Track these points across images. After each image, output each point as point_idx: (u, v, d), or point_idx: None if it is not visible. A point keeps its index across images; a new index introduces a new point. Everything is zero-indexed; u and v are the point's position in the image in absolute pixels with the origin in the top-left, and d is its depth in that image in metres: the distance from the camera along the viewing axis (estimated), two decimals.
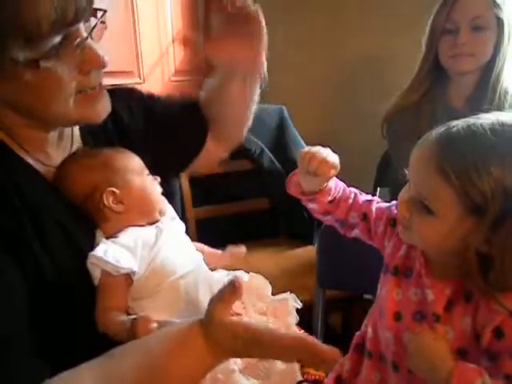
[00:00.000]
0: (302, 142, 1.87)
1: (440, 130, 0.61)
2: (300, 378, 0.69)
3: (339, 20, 2.13)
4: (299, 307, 0.73)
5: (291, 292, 0.75)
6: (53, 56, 0.57)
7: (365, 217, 0.76)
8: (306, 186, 0.77)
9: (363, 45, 2.06)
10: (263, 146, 1.78)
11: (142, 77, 1.90)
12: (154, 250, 0.69)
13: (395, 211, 0.74)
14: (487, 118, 0.59)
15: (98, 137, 0.77)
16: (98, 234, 0.70)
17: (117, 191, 0.70)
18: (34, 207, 0.62)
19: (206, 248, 0.82)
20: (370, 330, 0.74)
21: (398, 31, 1.92)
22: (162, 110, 0.88)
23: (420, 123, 1.36)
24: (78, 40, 0.59)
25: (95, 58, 0.61)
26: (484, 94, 1.31)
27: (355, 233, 0.79)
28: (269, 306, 0.72)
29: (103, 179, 0.70)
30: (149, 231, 0.71)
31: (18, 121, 0.64)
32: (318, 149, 0.73)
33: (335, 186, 0.77)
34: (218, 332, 0.52)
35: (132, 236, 0.69)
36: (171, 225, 0.76)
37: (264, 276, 0.76)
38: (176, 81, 2.06)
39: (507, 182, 0.54)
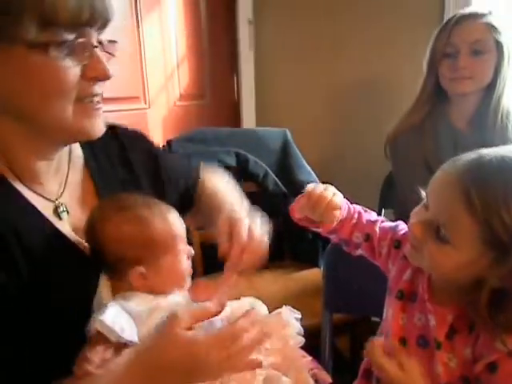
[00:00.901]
0: (306, 165, 1.88)
1: (471, 156, 0.58)
2: None
3: (341, 43, 2.16)
4: (298, 317, 0.71)
5: None
6: (63, 48, 0.57)
7: (368, 237, 0.76)
8: (312, 216, 0.77)
9: (366, 68, 2.09)
10: (268, 169, 1.79)
11: (147, 102, 1.92)
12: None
13: (400, 232, 0.73)
14: None
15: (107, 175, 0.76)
16: (103, 280, 0.67)
17: (144, 272, 0.65)
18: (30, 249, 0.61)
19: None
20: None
21: (400, 55, 1.95)
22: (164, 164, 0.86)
23: (423, 144, 1.37)
24: (89, 45, 0.60)
25: (101, 68, 0.61)
26: (486, 115, 1.33)
27: (360, 252, 0.79)
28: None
29: (135, 254, 0.65)
30: (169, 301, 0.65)
31: (12, 138, 0.61)
32: (323, 189, 0.73)
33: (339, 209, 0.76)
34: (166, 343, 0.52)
35: (147, 305, 0.64)
36: None
37: (269, 300, 0.73)
38: (181, 105, 2.09)
39: None
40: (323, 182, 1.88)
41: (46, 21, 0.54)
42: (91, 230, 0.67)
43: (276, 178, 1.79)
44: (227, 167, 1.75)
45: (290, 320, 0.70)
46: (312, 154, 1.98)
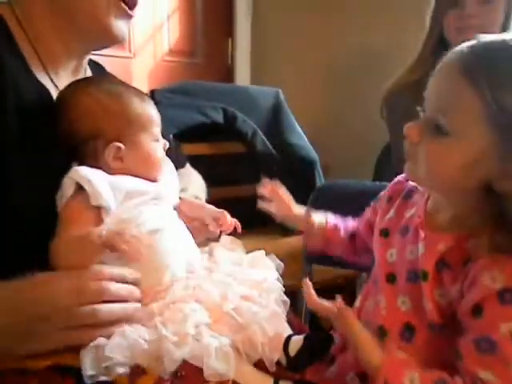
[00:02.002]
0: (297, 127, 1.79)
1: (469, 42, 0.52)
2: (290, 332, 0.59)
3: (340, 8, 2.08)
4: (281, 264, 0.70)
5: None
6: None
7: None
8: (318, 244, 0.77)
9: (366, 31, 2.00)
10: (257, 128, 1.69)
11: (132, 51, 1.81)
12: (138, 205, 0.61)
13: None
14: None
15: None
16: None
17: (122, 147, 0.62)
18: (25, 112, 0.60)
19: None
20: (358, 301, 0.67)
21: (399, 22, 1.87)
22: None
23: (421, 103, 1.28)
24: None
25: None
26: None
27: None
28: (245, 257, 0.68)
29: (113, 128, 0.62)
30: (141, 184, 0.64)
31: (48, 25, 0.65)
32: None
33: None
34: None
35: (121, 181, 0.61)
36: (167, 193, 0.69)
37: None
38: (169, 61, 1.98)
39: None
40: (316, 147, 1.79)
41: None
42: (63, 105, 0.63)
43: (265, 138, 1.70)
44: (213, 123, 1.66)
45: (269, 266, 0.69)
46: (306, 117, 1.89)
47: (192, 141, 1.65)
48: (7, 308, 0.51)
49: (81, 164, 0.62)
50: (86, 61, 0.75)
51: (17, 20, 0.65)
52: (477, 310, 0.49)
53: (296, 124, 1.79)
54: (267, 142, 1.69)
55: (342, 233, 0.75)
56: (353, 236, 0.77)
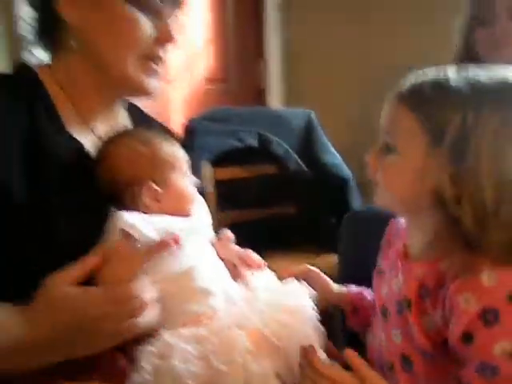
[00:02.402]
0: (330, 146, 1.81)
1: None
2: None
3: (373, 26, 2.10)
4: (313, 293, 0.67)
5: None
6: (148, 6, 0.66)
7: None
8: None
9: (396, 51, 2.01)
10: (289, 149, 1.72)
11: (168, 79, 1.90)
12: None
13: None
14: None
15: None
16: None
17: (158, 189, 0.67)
18: (64, 166, 0.66)
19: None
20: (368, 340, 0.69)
21: (433, 41, 1.86)
22: None
23: None
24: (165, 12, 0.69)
25: (170, 31, 0.69)
26: None
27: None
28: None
29: (149, 172, 0.68)
30: (178, 221, 0.68)
31: (88, 81, 0.70)
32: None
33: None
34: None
35: (160, 220, 0.66)
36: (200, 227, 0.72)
37: None
38: (204, 88, 2.06)
39: (466, 98, 0.53)
40: (351, 165, 1.80)
41: None
42: (101, 156, 0.69)
43: (298, 159, 1.73)
44: (248, 147, 1.71)
45: (303, 294, 0.67)
46: (340, 136, 1.91)
47: (226, 165, 1.71)
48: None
49: (120, 207, 0.66)
50: (121, 105, 0.80)
51: (56, 82, 0.70)
52: (465, 338, 0.50)
53: (329, 143, 1.82)
54: (300, 163, 1.73)
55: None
56: None
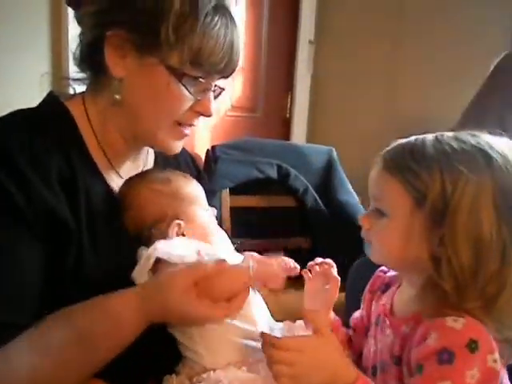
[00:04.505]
0: (348, 185, 1.84)
1: None
2: None
3: (401, 72, 2.14)
4: None
5: None
6: (190, 81, 0.66)
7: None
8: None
9: (423, 103, 2.05)
10: (308, 185, 1.76)
11: None
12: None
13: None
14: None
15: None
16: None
17: (182, 224, 0.71)
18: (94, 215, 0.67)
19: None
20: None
21: (462, 91, 1.87)
22: None
23: None
24: (209, 87, 0.69)
25: (208, 107, 0.69)
26: None
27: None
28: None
29: (172, 209, 0.71)
30: (208, 248, 0.70)
31: (117, 123, 0.71)
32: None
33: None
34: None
35: (187, 243, 0.69)
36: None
37: (298, 316, 0.73)
38: (232, 116, 2.12)
39: (443, 165, 0.55)
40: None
41: (194, 59, 0.65)
42: (126, 199, 0.72)
43: (316, 195, 1.76)
44: (267, 178, 1.75)
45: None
46: (360, 175, 1.92)
47: (245, 193, 1.75)
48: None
49: (147, 245, 0.69)
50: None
51: (87, 117, 0.71)
52: (418, 367, 0.53)
53: (347, 182, 1.84)
54: (318, 199, 1.75)
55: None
56: None
